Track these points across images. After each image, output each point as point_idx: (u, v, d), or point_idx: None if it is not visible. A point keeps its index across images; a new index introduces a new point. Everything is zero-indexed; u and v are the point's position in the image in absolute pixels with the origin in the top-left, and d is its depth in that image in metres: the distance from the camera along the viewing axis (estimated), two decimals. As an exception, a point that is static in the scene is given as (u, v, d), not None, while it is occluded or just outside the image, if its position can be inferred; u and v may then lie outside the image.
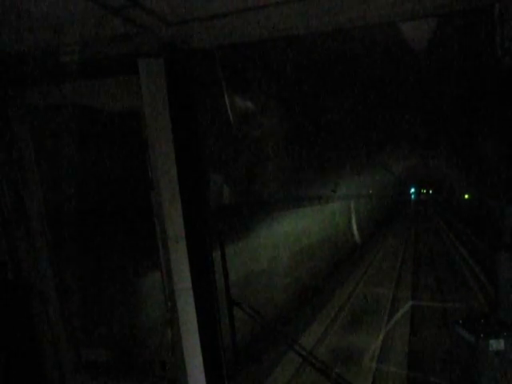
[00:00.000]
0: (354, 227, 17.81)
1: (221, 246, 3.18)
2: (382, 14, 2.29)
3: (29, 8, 2.01)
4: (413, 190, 59.18)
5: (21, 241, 2.96)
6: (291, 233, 9.76)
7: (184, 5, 2.06)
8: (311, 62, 4.96)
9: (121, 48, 2.45)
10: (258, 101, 5.87)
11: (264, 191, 7.57)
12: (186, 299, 2.63)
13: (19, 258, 2.96)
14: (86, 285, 3.29)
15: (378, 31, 4.00)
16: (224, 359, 2.84)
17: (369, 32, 4.02)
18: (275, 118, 6.72)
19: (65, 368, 3.13)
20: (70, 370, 3.14)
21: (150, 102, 2.47)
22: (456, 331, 4.66)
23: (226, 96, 3.77)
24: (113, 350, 3.16)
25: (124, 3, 1.99)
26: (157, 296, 2.87)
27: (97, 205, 3.26)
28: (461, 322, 4.69)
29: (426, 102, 7.51)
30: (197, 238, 2.66)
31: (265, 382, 6.41)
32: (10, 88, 2.81)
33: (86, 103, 2.83)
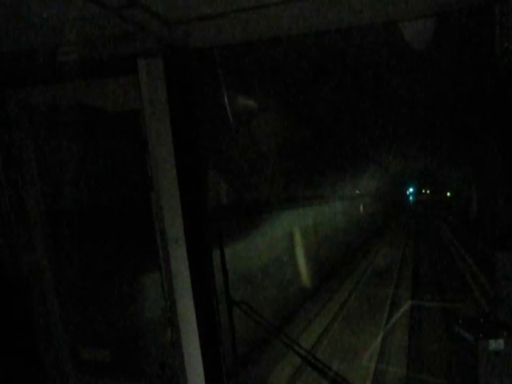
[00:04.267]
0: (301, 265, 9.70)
1: (220, 246, 3.18)
2: (381, 14, 2.29)
3: (28, 8, 2.01)
4: (411, 190, 50.11)
5: (20, 240, 2.96)
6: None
7: (183, 4, 2.06)
8: (311, 61, 4.96)
9: (120, 48, 2.45)
10: (257, 100, 5.87)
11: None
12: (186, 299, 2.63)
13: (18, 258, 2.96)
14: (85, 284, 3.28)
15: (377, 30, 4.00)
16: (223, 359, 2.84)
17: (368, 31, 4.02)
18: (274, 117, 6.72)
19: (64, 367, 3.13)
20: (68, 370, 3.13)
21: (150, 102, 2.47)
22: (455, 331, 4.66)
23: (225, 95, 3.77)
24: (112, 349, 3.16)
25: (123, 3, 1.99)
26: (156, 296, 2.87)
27: (96, 205, 3.26)
28: (460, 321, 4.68)
29: (424, 101, 7.52)
30: (196, 237, 2.66)
31: (264, 381, 6.40)
32: (9, 88, 2.81)
33: (86, 103, 2.83)
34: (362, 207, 21.48)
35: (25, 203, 2.95)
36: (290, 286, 9.06)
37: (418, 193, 50.13)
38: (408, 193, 50.14)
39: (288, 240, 9.25)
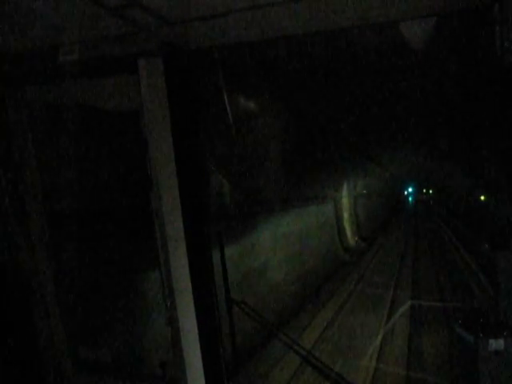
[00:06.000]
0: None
1: (220, 246, 3.18)
2: (381, 14, 2.30)
3: (28, 7, 2.01)
4: (410, 190, 44.19)
5: (20, 240, 2.96)
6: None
7: (183, 4, 2.06)
8: (311, 61, 4.96)
9: (120, 47, 2.45)
10: (257, 100, 5.87)
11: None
12: (186, 299, 2.63)
13: (18, 258, 2.96)
14: (85, 284, 3.29)
15: (377, 31, 3.99)
16: (223, 358, 2.84)
17: (368, 31, 4.02)
18: (273, 117, 6.73)
19: (63, 368, 3.13)
20: (68, 370, 3.13)
21: (150, 102, 2.47)
22: (456, 331, 4.66)
23: (225, 95, 3.77)
24: (112, 349, 3.16)
25: (123, 3, 1.99)
26: (156, 296, 2.87)
27: (96, 205, 3.26)
28: (460, 321, 4.69)
29: (424, 101, 7.53)
30: (196, 237, 2.66)
31: (264, 381, 6.40)
32: (9, 87, 2.81)
33: (86, 103, 2.83)
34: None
35: (25, 203, 2.95)
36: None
37: (418, 193, 45.07)
38: (406, 193, 44.81)
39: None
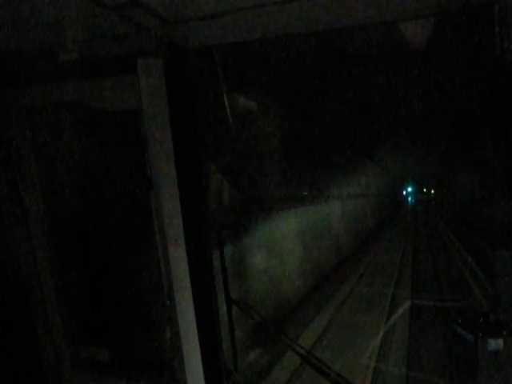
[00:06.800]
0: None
1: (220, 245, 3.18)
2: (381, 14, 2.29)
3: (28, 7, 2.01)
4: (410, 190, 41.91)
5: (20, 240, 2.96)
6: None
7: (183, 4, 2.06)
8: (310, 61, 4.96)
9: (119, 47, 2.45)
10: (257, 100, 5.87)
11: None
12: (185, 298, 2.64)
13: (18, 258, 2.96)
14: (85, 284, 3.29)
15: (377, 31, 4.00)
16: (223, 358, 2.84)
17: (368, 31, 4.02)
18: (273, 116, 6.73)
19: (63, 367, 3.13)
20: (68, 369, 3.14)
21: (149, 102, 2.47)
22: (455, 330, 4.67)
23: (225, 95, 3.77)
24: (111, 348, 3.16)
25: (122, 2, 1.99)
26: (156, 295, 2.87)
27: (96, 204, 3.26)
28: (460, 321, 4.69)
29: (424, 101, 7.53)
30: (196, 236, 2.66)
31: (264, 381, 6.41)
32: (8, 87, 2.81)
33: (85, 103, 2.83)
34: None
35: (25, 203, 2.95)
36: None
37: (418, 192, 42.28)
38: (405, 193, 42.15)
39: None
